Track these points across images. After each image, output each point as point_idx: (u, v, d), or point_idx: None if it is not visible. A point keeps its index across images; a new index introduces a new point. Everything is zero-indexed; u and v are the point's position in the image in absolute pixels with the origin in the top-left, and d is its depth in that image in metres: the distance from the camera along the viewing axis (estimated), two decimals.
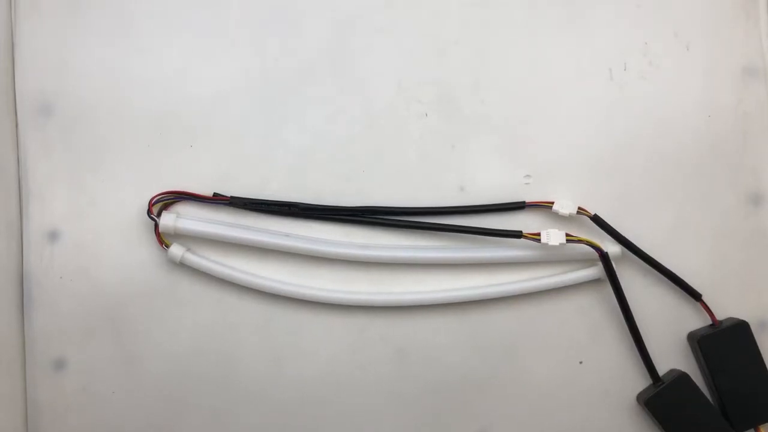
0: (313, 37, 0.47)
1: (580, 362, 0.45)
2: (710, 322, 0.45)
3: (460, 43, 0.46)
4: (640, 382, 0.45)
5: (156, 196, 0.45)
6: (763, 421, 0.43)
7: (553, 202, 0.45)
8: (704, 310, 0.44)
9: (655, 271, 0.45)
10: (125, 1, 0.46)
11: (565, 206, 0.44)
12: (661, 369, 0.44)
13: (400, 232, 0.45)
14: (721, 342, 0.44)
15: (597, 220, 0.44)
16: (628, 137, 0.46)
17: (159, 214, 0.45)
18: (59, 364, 0.45)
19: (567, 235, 0.43)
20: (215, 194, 0.45)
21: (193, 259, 0.45)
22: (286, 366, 0.45)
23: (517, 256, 0.45)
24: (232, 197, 0.45)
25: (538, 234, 0.43)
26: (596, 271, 0.44)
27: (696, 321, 0.45)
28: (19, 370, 0.45)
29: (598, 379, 0.45)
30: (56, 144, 0.46)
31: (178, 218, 0.45)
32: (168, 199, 0.45)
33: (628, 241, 0.44)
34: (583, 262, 0.45)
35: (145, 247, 0.46)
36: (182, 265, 0.45)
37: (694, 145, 0.46)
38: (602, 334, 0.45)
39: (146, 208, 0.45)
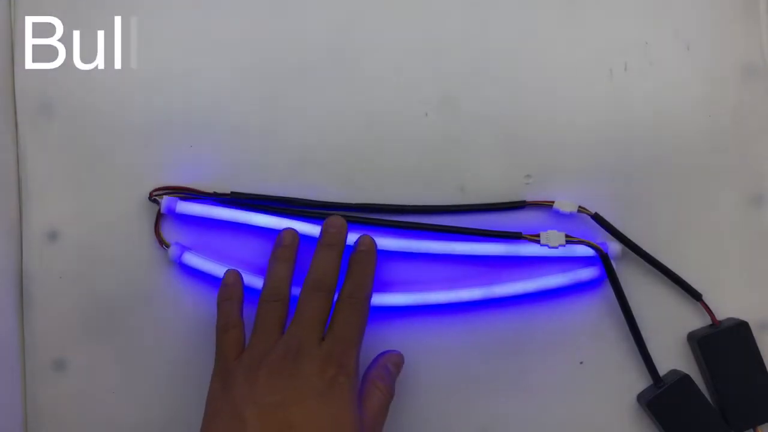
0: (314, 36, 0.47)
1: (581, 362, 0.45)
2: (710, 322, 0.45)
3: (460, 43, 0.46)
4: (640, 382, 0.45)
5: (157, 189, 0.45)
6: (762, 422, 0.43)
7: (553, 202, 0.45)
8: (705, 310, 0.44)
9: (656, 271, 0.45)
10: (125, 0, 0.47)
11: (565, 205, 0.45)
12: (662, 368, 0.44)
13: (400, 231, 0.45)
14: (721, 342, 0.44)
15: (598, 218, 0.44)
16: (629, 137, 0.46)
17: (159, 214, 0.45)
18: (59, 364, 0.45)
19: (567, 236, 0.43)
20: (215, 193, 0.45)
21: (192, 258, 0.45)
22: None
23: (517, 256, 0.45)
24: (232, 192, 0.45)
25: (538, 235, 0.43)
26: (596, 271, 0.44)
27: (696, 321, 0.45)
28: (19, 370, 0.45)
29: (599, 379, 0.45)
30: (56, 144, 0.46)
31: (180, 201, 0.45)
32: (169, 194, 0.45)
33: (629, 239, 0.44)
34: (584, 262, 0.45)
35: (145, 247, 0.46)
36: (182, 265, 0.45)
37: (694, 145, 0.46)
38: (603, 335, 0.45)
39: (146, 207, 0.45)
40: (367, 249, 0.42)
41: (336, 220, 0.42)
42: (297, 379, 0.37)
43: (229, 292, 0.42)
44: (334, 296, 0.41)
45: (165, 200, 0.45)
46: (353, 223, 0.45)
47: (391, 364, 0.42)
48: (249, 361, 0.39)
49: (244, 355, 0.40)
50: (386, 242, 0.45)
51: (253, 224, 0.45)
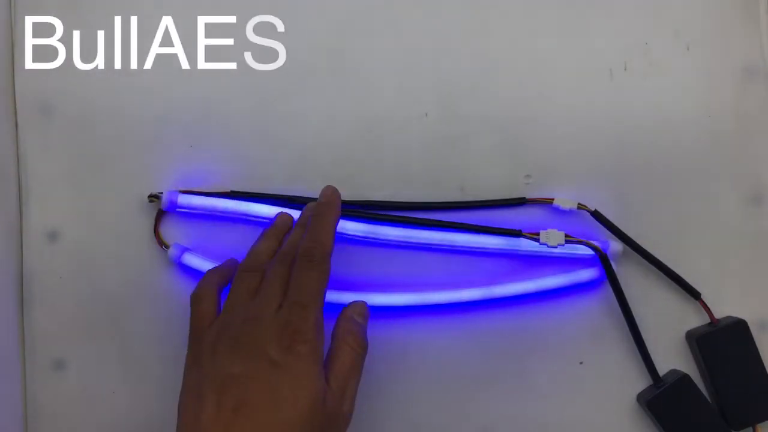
0: (314, 36, 0.47)
1: (581, 362, 0.45)
2: (709, 320, 0.45)
3: (460, 43, 0.46)
4: (640, 382, 0.45)
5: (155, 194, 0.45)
6: (761, 420, 0.44)
7: (553, 199, 0.45)
8: (703, 309, 0.44)
9: (655, 271, 0.45)
10: (125, 0, 0.47)
11: (565, 202, 0.45)
12: (661, 368, 0.44)
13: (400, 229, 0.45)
14: (720, 340, 0.44)
15: (597, 215, 0.44)
16: (629, 137, 0.46)
17: (159, 215, 0.45)
18: (59, 364, 0.45)
19: (566, 236, 0.43)
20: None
21: (192, 259, 0.45)
22: None
23: (517, 254, 0.45)
24: (232, 191, 0.45)
25: (537, 234, 0.43)
26: (596, 271, 0.44)
27: (695, 320, 0.45)
28: (19, 370, 0.45)
29: (599, 379, 0.45)
30: (56, 144, 0.46)
31: (181, 194, 0.45)
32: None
33: (628, 236, 0.44)
34: (583, 262, 0.45)
35: (145, 247, 0.46)
36: (181, 265, 0.45)
37: (694, 145, 0.46)
38: (602, 335, 0.45)
39: (146, 207, 0.45)
40: (326, 201, 0.40)
41: (313, 204, 0.42)
42: (254, 350, 0.36)
43: (215, 269, 0.42)
44: None
45: (166, 194, 0.44)
46: (353, 219, 0.45)
47: (357, 315, 0.40)
48: (216, 332, 0.37)
49: (213, 325, 0.38)
50: (387, 231, 0.45)
51: (254, 214, 0.45)
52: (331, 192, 0.41)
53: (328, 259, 0.38)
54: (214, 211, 0.45)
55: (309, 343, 0.36)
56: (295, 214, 0.45)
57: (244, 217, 0.45)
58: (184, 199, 0.45)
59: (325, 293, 0.38)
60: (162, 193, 0.45)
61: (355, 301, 0.41)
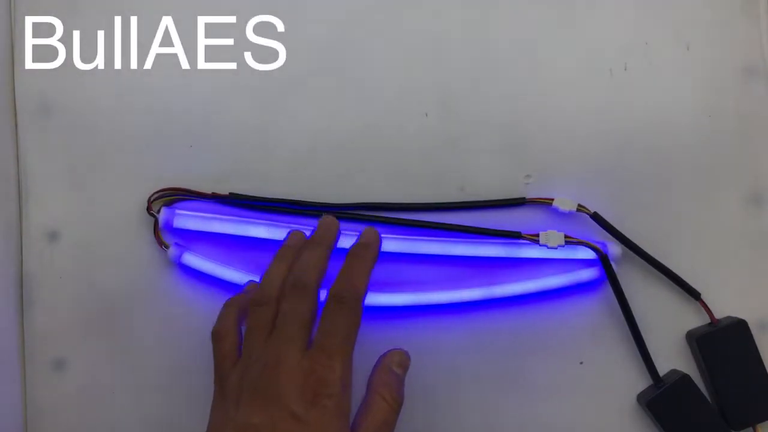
0: (314, 36, 0.47)
1: (581, 362, 0.45)
2: (709, 320, 0.45)
3: (460, 43, 0.46)
4: (640, 382, 0.45)
5: (155, 192, 0.45)
6: (761, 420, 0.43)
7: (553, 199, 0.45)
8: (703, 309, 0.44)
9: (655, 271, 0.45)
10: (125, 0, 0.47)
11: (565, 203, 0.45)
12: (661, 368, 0.44)
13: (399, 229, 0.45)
14: (720, 340, 0.44)
15: (597, 217, 0.44)
16: (629, 137, 0.46)
17: (158, 212, 0.45)
18: (59, 364, 0.45)
19: (566, 236, 0.43)
20: (214, 194, 0.45)
21: (192, 259, 0.45)
22: None
23: (516, 256, 0.45)
24: (230, 193, 0.45)
25: (537, 235, 0.43)
26: (596, 271, 0.44)
27: (695, 320, 0.45)
28: (18, 370, 0.45)
29: (599, 379, 0.45)
30: (56, 144, 0.46)
31: (178, 214, 0.45)
32: (167, 196, 0.45)
33: (628, 238, 0.44)
34: (583, 262, 0.45)
35: (145, 248, 0.46)
36: (181, 265, 0.45)
37: (694, 145, 0.46)
38: (602, 335, 0.45)
39: (145, 206, 0.45)
40: (366, 242, 0.38)
41: (326, 218, 0.40)
42: (276, 400, 0.33)
43: (234, 299, 0.40)
44: (317, 296, 0.36)
45: (162, 213, 0.45)
46: (352, 221, 0.45)
47: (396, 366, 0.38)
48: (238, 376, 0.35)
49: (236, 366, 0.36)
50: (384, 244, 0.44)
51: (251, 236, 0.44)
52: (373, 234, 0.39)
53: (361, 305, 0.36)
54: (208, 231, 0.45)
55: (334, 397, 0.34)
56: (296, 222, 0.45)
57: (241, 221, 0.45)
58: (179, 222, 0.45)
59: (355, 340, 0.35)
60: (159, 211, 0.45)
61: (395, 350, 0.39)
